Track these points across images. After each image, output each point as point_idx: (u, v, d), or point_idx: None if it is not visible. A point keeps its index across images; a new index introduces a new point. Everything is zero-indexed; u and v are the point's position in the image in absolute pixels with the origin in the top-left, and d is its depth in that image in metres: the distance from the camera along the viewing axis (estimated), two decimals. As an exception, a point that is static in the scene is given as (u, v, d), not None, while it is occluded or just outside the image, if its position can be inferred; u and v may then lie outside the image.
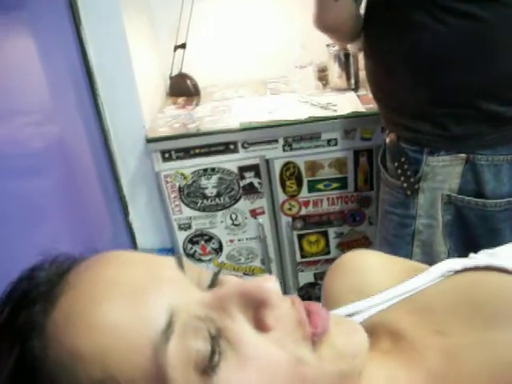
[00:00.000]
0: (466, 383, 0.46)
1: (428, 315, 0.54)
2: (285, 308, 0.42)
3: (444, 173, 1.16)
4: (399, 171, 1.21)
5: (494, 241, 1.23)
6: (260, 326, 0.40)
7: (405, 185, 1.21)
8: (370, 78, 1.32)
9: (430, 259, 1.24)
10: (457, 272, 0.58)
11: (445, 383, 0.47)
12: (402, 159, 1.20)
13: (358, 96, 1.86)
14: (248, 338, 0.39)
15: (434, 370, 0.48)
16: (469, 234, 1.21)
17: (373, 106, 1.74)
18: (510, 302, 0.51)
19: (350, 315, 0.60)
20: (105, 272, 0.41)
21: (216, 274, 0.44)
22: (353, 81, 1.91)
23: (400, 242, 1.28)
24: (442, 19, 1.06)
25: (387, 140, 1.27)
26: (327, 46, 1.90)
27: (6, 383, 0.37)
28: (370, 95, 1.82)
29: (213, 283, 0.43)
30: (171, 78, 2.15)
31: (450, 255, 1.23)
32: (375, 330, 0.55)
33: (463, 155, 1.13)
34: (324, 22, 1.23)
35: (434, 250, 1.24)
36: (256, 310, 0.40)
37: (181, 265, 0.43)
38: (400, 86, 1.18)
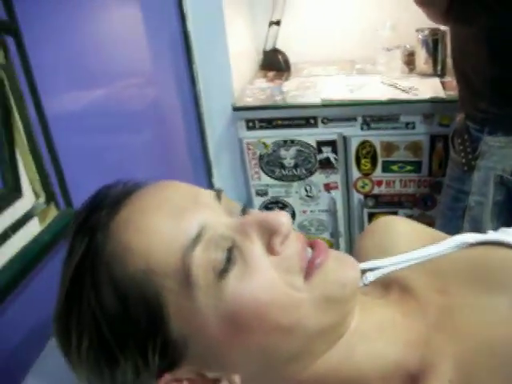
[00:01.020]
0: (461, 339, 0.52)
1: (436, 277, 0.61)
2: (291, 240, 0.52)
3: (500, 154, 1.22)
4: (461, 147, 1.29)
5: None
6: (270, 249, 0.50)
7: (463, 160, 1.28)
8: (453, 57, 1.40)
9: None
10: (471, 245, 0.65)
11: (439, 336, 0.53)
12: (466, 136, 1.28)
13: (443, 82, 1.87)
14: (257, 256, 0.50)
15: (430, 322, 0.55)
16: None
17: (454, 93, 1.76)
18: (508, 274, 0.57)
19: (371, 269, 0.68)
20: (160, 193, 0.53)
21: (244, 207, 0.55)
22: (439, 67, 1.93)
23: (453, 215, 1.35)
24: None
25: (457, 118, 1.36)
26: (416, 30, 1.92)
27: (76, 266, 0.49)
28: (455, 82, 1.85)
29: (242, 213, 0.54)
30: (264, 52, 2.25)
31: None
32: (389, 283, 0.63)
33: None
34: None
35: (483, 228, 1.28)
36: (270, 236, 0.50)
37: (218, 197, 0.54)
38: (474, 64, 1.24)
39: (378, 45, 2.00)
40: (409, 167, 1.87)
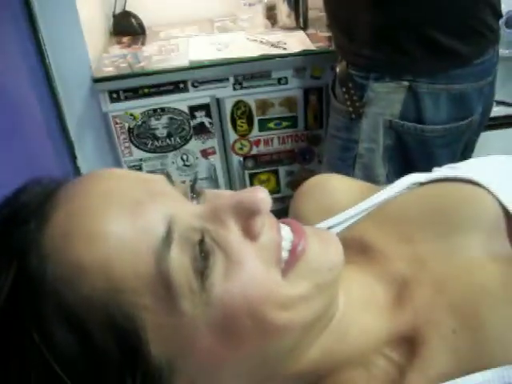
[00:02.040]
0: (446, 287, 0.49)
1: (395, 225, 0.56)
2: (268, 224, 0.44)
3: (387, 99, 1.21)
4: (346, 96, 1.26)
5: (430, 165, 1.30)
6: (249, 233, 0.42)
7: (350, 109, 1.26)
8: (326, 5, 1.34)
9: (371, 182, 1.30)
10: (422, 184, 0.61)
11: (420, 290, 0.49)
12: (350, 84, 1.25)
13: (308, 35, 1.85)
14: (237, 245, 0.41)
15: (406, 277, 0.51)
16: (407, 159, 1.27)
17: (323, 44, 1.76)
18: (475, 208, 0.54)
19: None
20: (98, 185, 0.41)
21: (193, 184, 0.45)
22: (301, 20, 1.90)
23: (343, 164, 1.33)
24: None
25: (338, 67, 1.31)
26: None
27: (6, 301, 0.36)
28: (320, 34, 1.84)
29: (197, 195, 0.44)
30: (114, 16, 2.07)
31: (388, 179, 1.29)
32: (344, 243, 0.57)
33: (406, 83, 1.19)
34: None
35: (374, 174, 1.30)
36: (247, 218, 0.42)
37: (170, 180, 0.44)
38: (353, 11, 1.20)
39: (238, 1, 1.92)
40: (285, 123, 1.84)
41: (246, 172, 1.92)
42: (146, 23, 2.08)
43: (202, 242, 0.39)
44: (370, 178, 1.30)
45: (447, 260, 0.51)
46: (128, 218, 0.38)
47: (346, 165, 1.33)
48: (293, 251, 0.44)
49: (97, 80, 1.70)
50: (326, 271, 0.45)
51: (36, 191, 0.42)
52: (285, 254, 0.44)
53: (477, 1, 1.16)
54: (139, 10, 2.07)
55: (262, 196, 0.42)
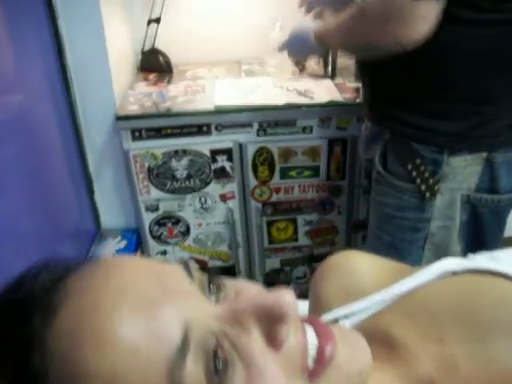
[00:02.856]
0: None
1: (425, 319, 0.52)
2: (293, 329, 0.40)
3: (465, 173, 1.13)
4: (414, 173, 1.16)
5: (497, 234, 1.26)
6: (273, 341, 0.39)
7: (423, 187, 1.16)
8: (376, 73, 1.21)
9: None
10: (455, 273, 0.57)
11: None
12: (418, 161, 1.15)
13: (336, 84, 1.83)
14: (259, 353, 0.38)
15: (435, 379, 0.47)
16: (480, 231, 1.21)
17: (350, 95, 1.73)
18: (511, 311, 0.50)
19: (339, 319, 0.58)
20: (112, 279, 0.38)
21: (213, 279, 0.42)
22: (330, 68, 1.88)
23: (410, 246, 1.24)
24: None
25: (389, 140, 1.21)
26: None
27: None
28: (348, 84, 1.82)
29: (216, 288, 0.41)
30: (143, 53, 2.07)
31: (463, 255, 1.23)
32: (368, 335, 0.53)
33: (484, 154, 1.11)
34: (417, 37, 1.00)
35: (448, 252, 1.21)
36: (272, 324, 0.38)
37: (189, 273, 0.40)
38: (418, 85, 1.12)
39: (268, 45, 1.91)
40: (307, 172, 1.80)
41: (264, 219, 1.88)
42: (173, 61, 2.08)
43: (220, 348, 0.36)
44: (443, 257, 1.23)
45: (483, 367, 0.46)
46: (141, 320, 0.35)
47: (414, 247, 1.24)
48: (321, 357, 0.40)
49: (120, 118, 1.68)
50: (355, 376, 0.41)
51: (43, 277, 0.39)
52: (310, 361, 0.40)
53: None
54: (167, 47, 2.07)
55: (288, 300, 0.38)
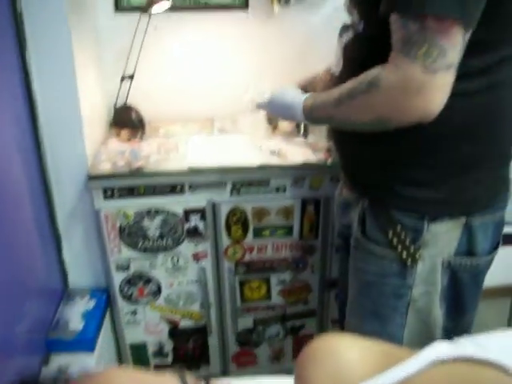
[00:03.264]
0: None
1: None
2: None
3: (445, 238, 1.14)
4: (395, 241, 1.16)
5: (476, 296, 1.26)
6: None
7: (404, 255, 1.15)
8: (357, 143, 1.21)
9: (426, 327, 1.23)
10: (444, 361, 0.56)
11: None
12: (398, 228, 1.15)
13: (308, 144, 1.85)
14: None
15: None
16: (460, 295, 1.21)
17: (322, 155, 1.75)
18: None
19: None
20: None
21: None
22: (302, 128, 1.91)
23: (393, 313, 1.23)
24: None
25: (367, 207, 1.22)
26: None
27: None
28: (320, 144, 1.84)
29: None
30: (116, 109, 2.07)
31: (443, 319, 1.23)
32: None
33: (463, 219, 1.13)
34: (435, 109, 0.97)
35: (430, 317, 1.21)
36: None
37: (183, 380, 0.39)
38: (402, 154, 1.13)
39: (240, 103, 1.92)
40: (280, 231, 1.80)
41: (237, 278, 1.86)
42: (146, 117, 2.07)
43: None
44: (426, 322, 1.23)
45: None
46: None
47: (398, 313, 1.23)
48: None
49: (92, 177, 1.66)
50: None
51: None
52: None
53: None
54: (140, 103, 2.07)
55: None
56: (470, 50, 0.95)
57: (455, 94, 0.98)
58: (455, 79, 0.96)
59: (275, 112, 1.40)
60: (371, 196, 1.21)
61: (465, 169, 1.11)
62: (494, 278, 1.30)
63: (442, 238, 1.14)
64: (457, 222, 1.13)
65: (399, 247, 1.15)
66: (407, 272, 1.18)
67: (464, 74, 0.98)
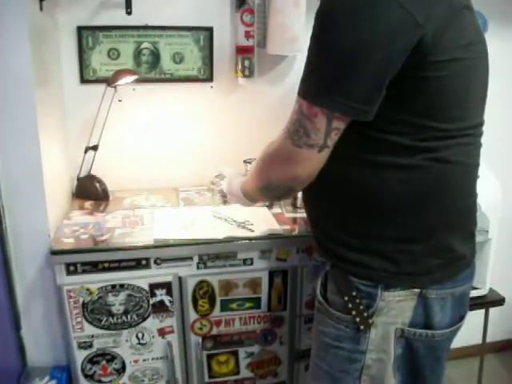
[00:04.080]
0: None
1: None
2: None
3: (398, 307, 1.15)
4: (350, 305, 1.17)
5: (437, 369, 1.27)
6: None
7: (357, 319, 1.17)
8: (320, 214, 1.28)
9: None
10: None
11: None
12: (354, 293, 1.17)
13: (273, 214, 1.86)
14: None
15: None
16: (416, 365, 1.22)
17: (288, 226, 1.76)
18: None
19: None
20: None
21: None
22: (268, 198, 1.92)
23: (347, 377, 1.23)
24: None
25: (329, 271, 1.24)
26: (244, 161, 1.90)
27: None
28: (286, 214, 1.85)
29: None
30: (79, 179, 2.05)
31: None
32: None
33: (417, 290, 1.14)
34: (301, 176, 1.13)
35: None
36: None
37: None
38: (357, 223, 1.17)
39: (207, 174, 1.94)
40: (248, 304, 1.77)
41: (205, 352, 1.81)
42: (110, 187, 2.06)
43: None
44: None
45: None
46: None
47: (351, 377, 1.22)
48: None
49: (55, 252, 1.61)
50: None
51: None
52: None
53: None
54: (104, 173, 2.06)
55: None
56: (398, 127, 1.05)
57: (395, 168, 1.08)
58: (396, 155, 1.07)
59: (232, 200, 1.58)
60: (332, 260, 1.24)
61: (410, 242, 1.14)
62: (459, 338, 1.31)
63: (395, 307, 1.16)
64: (410, 293, 1.15)
65: (354, 312, 1.17)
66: (361, 337, 1.19)
67: (402, 149, 1.07)
